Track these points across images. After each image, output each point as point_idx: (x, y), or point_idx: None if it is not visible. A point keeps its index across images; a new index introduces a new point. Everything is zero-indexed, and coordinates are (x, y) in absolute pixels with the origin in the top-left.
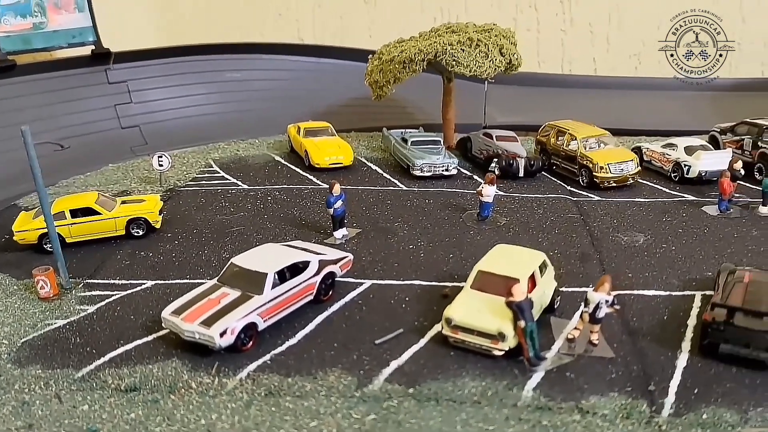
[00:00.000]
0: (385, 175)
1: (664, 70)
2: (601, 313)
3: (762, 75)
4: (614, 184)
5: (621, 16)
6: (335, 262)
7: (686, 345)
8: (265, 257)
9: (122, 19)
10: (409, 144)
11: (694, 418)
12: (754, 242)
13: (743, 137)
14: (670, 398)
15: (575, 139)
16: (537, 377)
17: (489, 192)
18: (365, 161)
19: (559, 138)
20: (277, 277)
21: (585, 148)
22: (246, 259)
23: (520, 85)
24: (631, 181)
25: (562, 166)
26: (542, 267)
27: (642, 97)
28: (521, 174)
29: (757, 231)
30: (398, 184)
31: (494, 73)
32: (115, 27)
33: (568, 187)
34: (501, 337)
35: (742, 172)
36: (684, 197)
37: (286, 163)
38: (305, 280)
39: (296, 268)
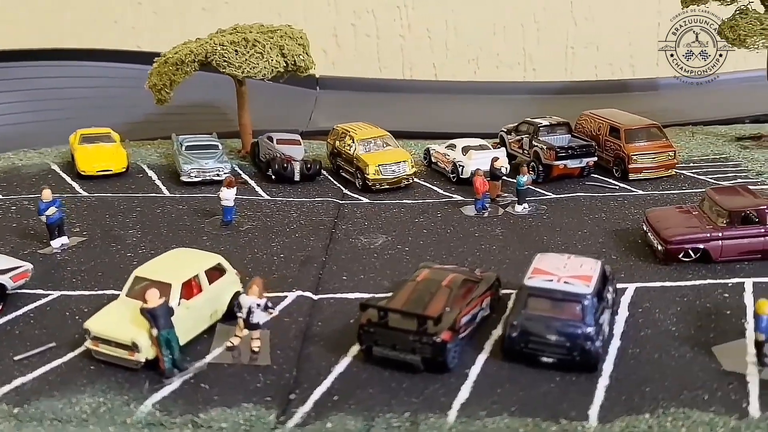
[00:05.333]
0: (156, 182)
1: (501, 75)
2: (255, 318)
3: (596, 77)
4: (387, 186)
5: (457, 22)
6: (3, 272)
7: (354, 349)
8: None
9: None
10: (183, 149)
11: (318, 428)
12: (491, 241)
13: (523, 136)
14: (306, 407)
15: (354, 140)
16: (169, 389)
17: (227, 195)
18: (146, 168)
19: (344, 140)
20: None
21: (362, 150)
22: None
23: (360, 91)
24: (407, 183)
25: (344, 168)
26: (215, 271)
27: (481, 101)
28: (297, 178)
29: (501, 230)
30: (164, 190)
31: (271, 75)
32: None
33: (345, 190)
34: (135, 347)
35: (503, 170)
36: (452, 197)
37: (59, 171)
38: None
39: None
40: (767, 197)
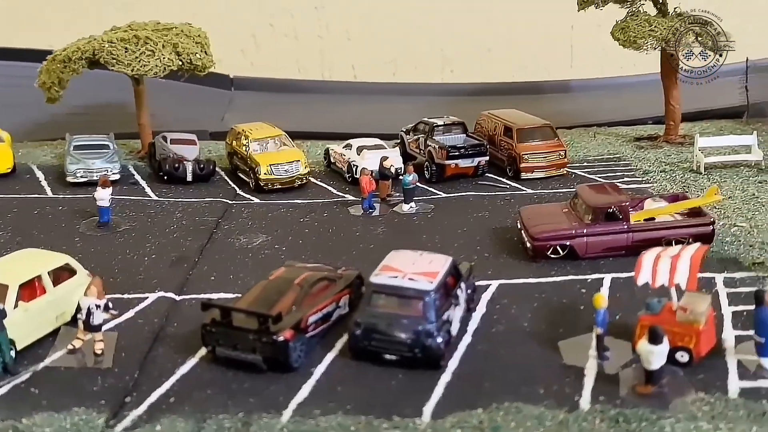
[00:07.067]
0: (42, 182)
1: (419, 76)
2: (96, 320)
3: (512, 79)
4: (280, 186)
5: (375, 23)
6: None
7: (203, 351)
8: None
9: None
10: (72, 149)
11: (147, 431)
12: (371, 240)
13: (420, 136)
14: (140, 410)
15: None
16: None
17: (102, 195)
18: (35, 169)
19: (240, 140)
20: None
21: (255, 149)
22: None
23: (277, 92)
24: (301, 182)
25: (241, 168)
26: (63, 271)
27: (399, 102)
28: (189, 178)
29: (383, 229)
30: (48, 191)
31: (163, 73)
32: None
33: (238, 191)
34: None
35: (393, 170)
36: (345, 197)
37: None
38: None
39: None
40: (634, 195)
